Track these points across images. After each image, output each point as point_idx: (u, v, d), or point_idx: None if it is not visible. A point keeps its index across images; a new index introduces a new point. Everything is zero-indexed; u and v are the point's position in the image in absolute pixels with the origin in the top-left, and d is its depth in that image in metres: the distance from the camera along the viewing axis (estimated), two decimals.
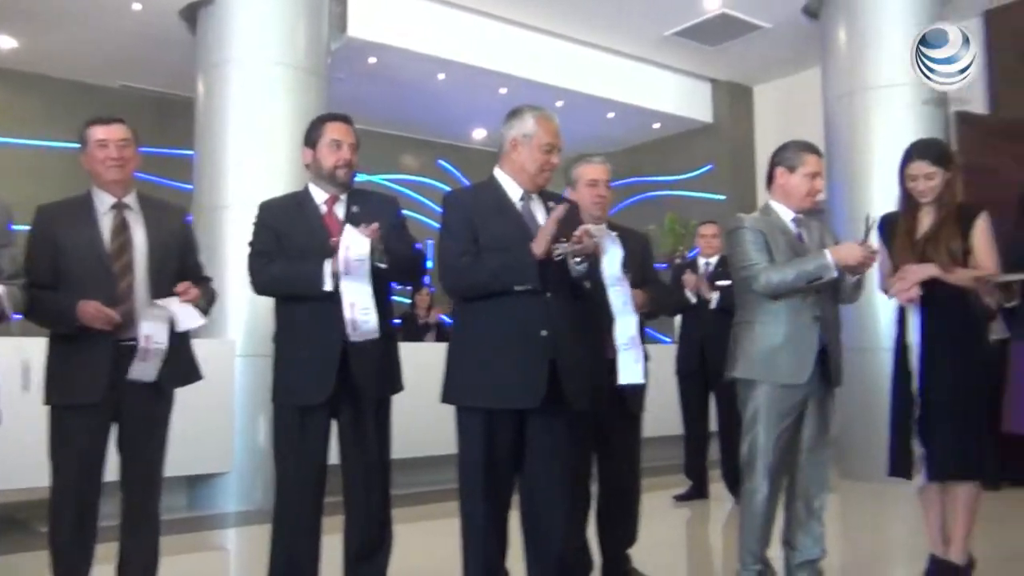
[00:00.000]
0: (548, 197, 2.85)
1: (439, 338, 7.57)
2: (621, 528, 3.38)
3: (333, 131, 2.94)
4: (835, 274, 2.94)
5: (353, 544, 2.90)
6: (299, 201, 2.99)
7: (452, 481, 2.79)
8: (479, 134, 9.42)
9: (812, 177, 3.10)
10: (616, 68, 8.37)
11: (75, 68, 7.62)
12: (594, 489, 3.36)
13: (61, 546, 2.73)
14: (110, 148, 2.78)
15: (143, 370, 2.70)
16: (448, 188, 9.52)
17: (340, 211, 2.95)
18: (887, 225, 3.35)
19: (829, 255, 2.93)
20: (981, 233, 3.16)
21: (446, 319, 8.02)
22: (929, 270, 3.08)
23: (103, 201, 2.82)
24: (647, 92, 8.64)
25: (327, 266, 2.75)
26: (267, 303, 3.04)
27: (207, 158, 5.76)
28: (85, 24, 6.62)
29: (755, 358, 3.04)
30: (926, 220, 3.23)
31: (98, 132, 2.79)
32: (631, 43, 8.13)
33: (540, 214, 2.78)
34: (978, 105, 7.15)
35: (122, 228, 2.79)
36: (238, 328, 5.27)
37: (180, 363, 2.84)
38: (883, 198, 5.75)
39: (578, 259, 2.63)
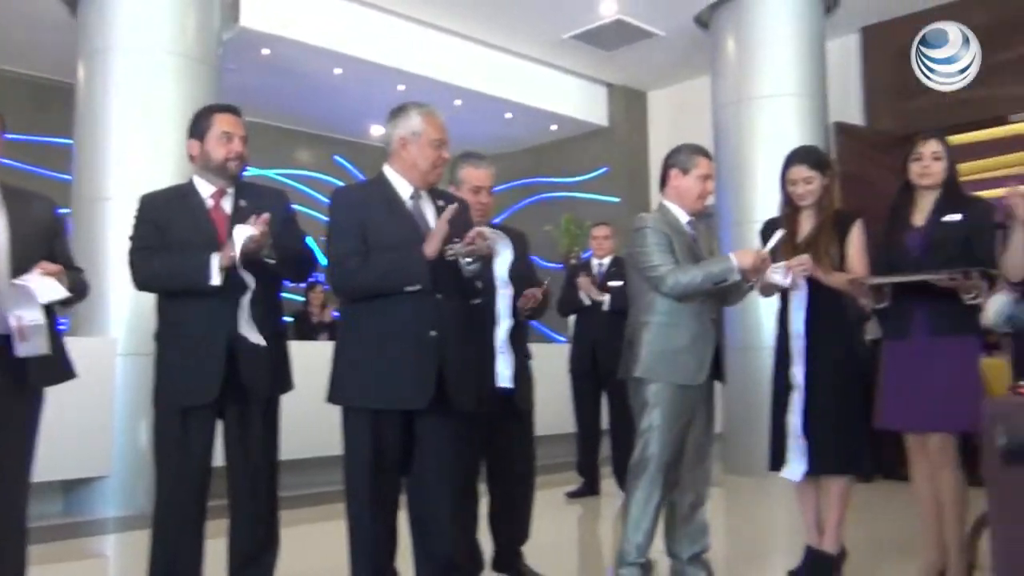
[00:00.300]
0: (438, 195, 2.85)
1: (333, 337, 7.44)
2: (513, 526, 3.40)
3: (223, 123, 2.86)
4: (739, 277, 3.05)
5: (238, 548, 2.82)
6: (183, 194, 2.89)
7: (341, 482, 2.75)
8: (376, 130, 9.31)
9: (704, 179, 3.22)
10: (515, 69, 8.43)
11: None
12: (484, 487, 3.37)
13: None
14: None
15: (30, 347, 2.54)
16: (344, 184, 9.39)
17: (227, 205, 2.87)
18: (769, 229, 3.49)
19: (734, 259, 3.04)
20: (856, 239, 3.32)
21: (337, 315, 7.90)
22: (809, 264, 3.21)
23: None
24: (545, 94, 8.73)
25: (214, 260, 2.67)
26: (150, 300, 2.92)
27: (87, 148, 5.50)
28: None
29: (657, 359, 3.11)
30: (806, 225, 3.39)
31: None
32: (530, 45, 8.20)
33: (430, 213, 2.78)
34: (855, 117, 7.53)
35: None
36: (120, 326, 5.06)
37: (50, 361, 2.69)
38: (766, 203, 5.99)
39: (470, 259, 2.64)
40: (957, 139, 6.84)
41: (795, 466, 3.23)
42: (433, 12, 7.50)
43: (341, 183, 9.33)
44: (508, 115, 8.84)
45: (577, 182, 9.50)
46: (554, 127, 9.28)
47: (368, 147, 9.58)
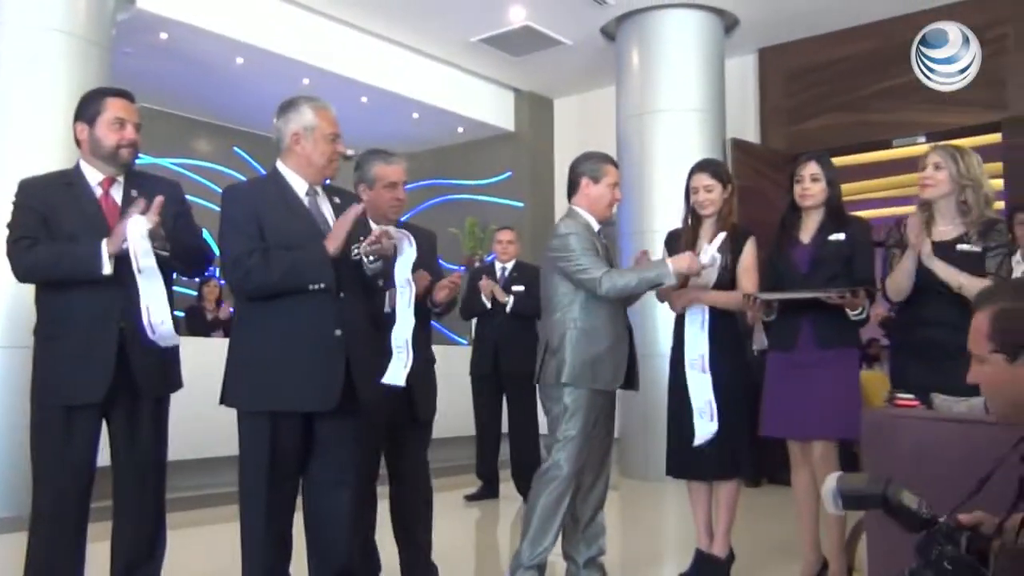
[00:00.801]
0: (334, 192, 2.80)
1: (228, 334, 7.23)
2: (419, 535, 3.31)
3: (116, 108, 2.75)
4: (674, 281, 3.12)
5: (123, 552, 2.73)
6: (69, 181, 2.75)
7: (231, 484, 2.67)
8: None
9: (613, 187, 3.30)
10: (423, 69, 8.38)
11: None
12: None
13: None
14: None
15: None
16: (243, 177, 9.13)
17: (117, 194, 2.76)
18: (671, 240, 3.59)
19: (670, 263, 3.11)
20: (748, 255, 3.46)
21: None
22: (700, 296, 3.36)
23: None
24: (452, 96, 8.71)
25: (104, 247, 2.56)
26: (27, 292, 2.77)
27: None
28: None
29: (578, 364, 3.15)
30: (706, 236, 3.49)
31: None
32: (439, 46, 8.18)
33: (327, 209, 2.73)
34: (751, 135, 7.81)
35: None
36: None
37: None
38: (666, 214, 6.16)
39: (372, 258, 2.60)
40: (845, 160, 7.25)
41: (707, 425, 3.26)
42: (342, 8, 7.39)
43: (240, 175, 9.11)
44: (415, 115, 8.78)
45: (482, 185, 9.52)
46: (461, 129, 9.27)
47: (269, 140, 9.30)
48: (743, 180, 7.09)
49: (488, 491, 5.60)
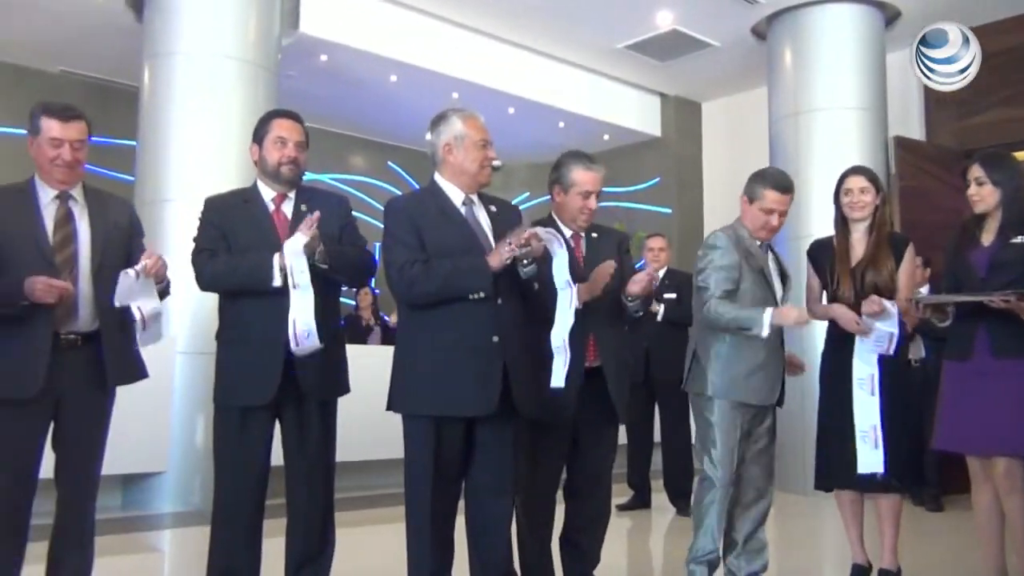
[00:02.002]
0: (489, 201, 2.85)
1: (384, 340, 7.52)
2: (588, 547, 3.18)
3: (279, 128, 2.90)
4: (764, 335, 2.99)
5: (295, 548, 2.86)
6: (246, 198, 2.94)
7: (397, 485, 2.77)
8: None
9: (768, 213, 3.16)
10: (568, 78, 8.43)
11: (13, 51, 7.37)
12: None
13: None
14: (64, 150, 2.68)
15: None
16: (398, 190, 9.46)
17: (288, 209, 2.91)
18: (818, 250, 3.48)
19: (768, 315, 2.97)
20: (907, 262, 3.32)
21: (388, 319, 7.96)
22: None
23: (46, 191, 2.72)
24: (598, 103, 8.71)
25: (276, 260, 2.71)
26: (209, 300, 2.97)
27: (150, 150, 5.62)
28: (23, 6, 6.41)
29: (728, 378, 3.11)
30: (859, 246, 3.36)
31: (54, 129, 2.67)
32: (584, 54, 8.20)
33: (483, 218, 2.79)
34: (915, 132, 7.39)
35: (66, 220, 2.70)
36: (180, 325, 5.15)
37: (125, 361, 2.76)
38: (822, 218, 5.90)
39: (526, 262, 2.63)
40: None
41: (871, 454, 3.14)
42: (489, 21, 7.54)
43: (395, 189, 9.46)
44: (561, 124, 8.83)
45: (629, 192, 9.46)
46: (606, 137, 9.25)
47: (422, 154, 9.56)
48: (906, 180, 6.73)
49: (640, 501, 5.54)
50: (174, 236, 5.03)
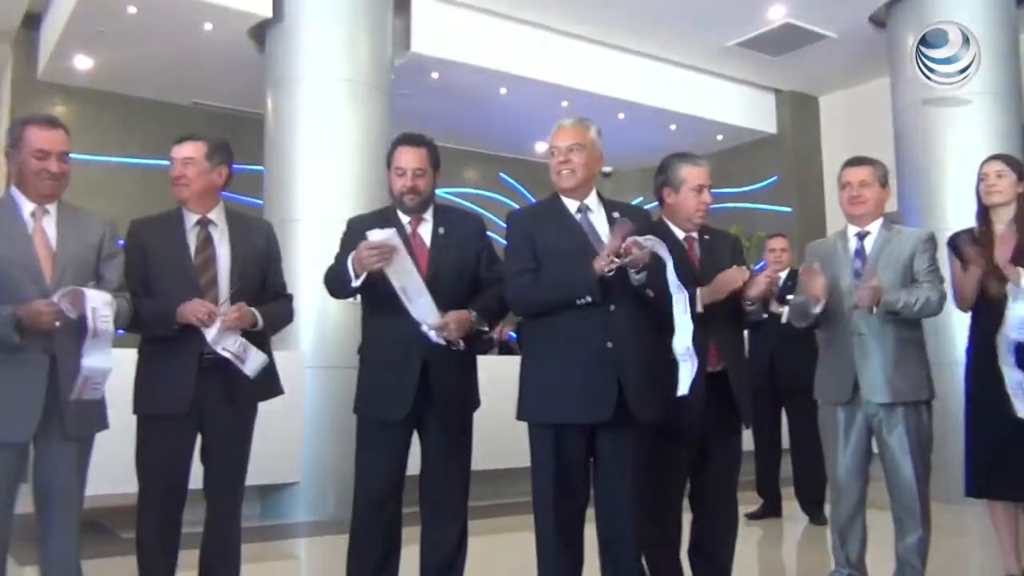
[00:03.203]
0: (612, 206, 2.84)
1: (503, 353, 7.59)
2: (723, 559, 3.05)
3: (398, 157, 2.96)
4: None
5: (430, 555, 2.91)
6: (386, 219, 3.00)
7: (528, 494, 2.79)
8: (541, 147, 9.43)
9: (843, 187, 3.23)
10: (678, 79, 8.32)
11: (148, 86, 7.83)
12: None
13: (146, 552, 2.79)
14: (175, 166, 2.85)
15: (252, 366, 2.75)
16: (510, 202, 9.57)
17: (425, 232, 2.97)
18: (961, 242, 3.35)
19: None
20: None
21: (513, 335, 8.03)
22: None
23: (189, 217, 2.88)
24: (709, 103, 8.56)
25: (350, 266, 2.76)
26: (336, 316, 3.07)
27: (277, 173, 5.88)
28: (158, 43, 6.81)
29: (818, 377, 3.20)
30: (1006, 242, 3.21)
31: (172, 151, 2.87)
32: (693, 54, 8.08)
33: (600, 223, 2.78)
34: None
35: (206, 243, 2.84)
36: (308, 339, 5.34)
37: (261, 379, 2.88)
38: (956, 210, 5.63)
39: (635, 270, 2.61)
40: None
41: None
42: (596, 28, 7.54)
43: (508, 200, 9.56)
44: (672, 127, 8.72)
45: (745, 192, 9.24)
46: (720, 137, 9.08)
47: (533, 164, 9.72)
48: None
49: (770, 509, 5.37)
50: (303, 254, 5.23)
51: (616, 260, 2.55)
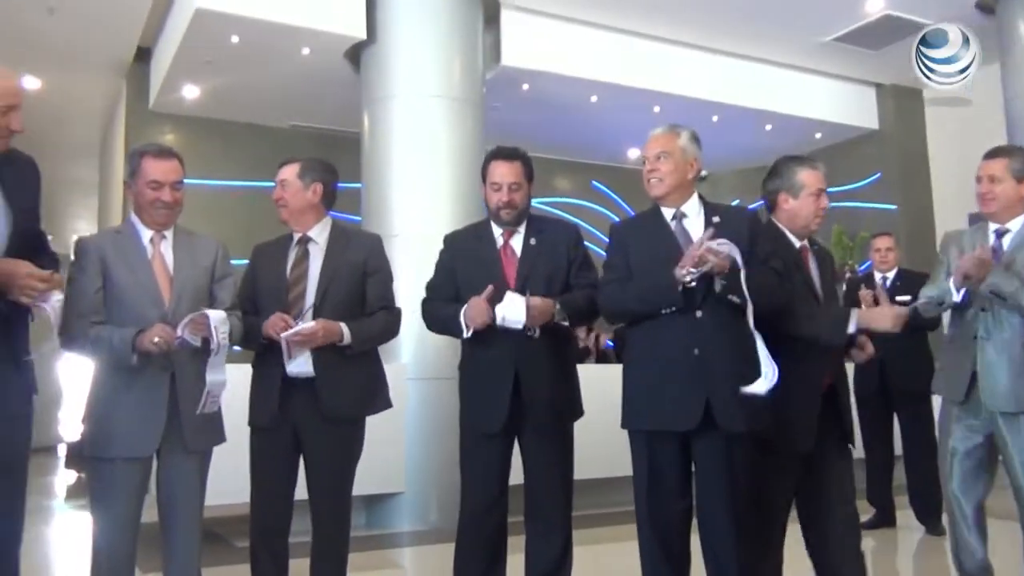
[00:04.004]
0: (714, 211, 2.79)
1: (599, 361, 7.56)
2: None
3: (493, 172, 3.00)
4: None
5: (534, 563, 2.92)
6: (479, 234, 3.06)
7: (630, 503, 2.77)
8: (633, 153, 9.38)
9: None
10: (772, 78, 8.14)
11: (249, 111, 8.14)
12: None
13: (257, 560, 2.89)
14: (275, 189, 2.98)
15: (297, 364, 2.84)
16: (603, 209, 9.54)
17: (517, 244, 3.01)
18: None
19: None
20: None
21: (611, 344, 8.00)
22: None
23: (294, 236, 3.00)
24: (806, 101, 8.34)
25: (462, 319, 2.86)
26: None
27: (373, 189, 6.01)
28: (259, 70, 7.08)
29: (938, 374, 3.05)
30: None
31: (277, 174, 3.00)
32: (788, 52, 7.89)
33: (696, 230, 2.74)
34: None
35: (301, 260, 2.95)
36: (408, 352, 5.44)
37: (365, 393, 2.96)
38: None
39: (719, 276, 2.56)
40: None
41: None
42: (685, 30, 7.45)
43: (601, 208, 9.54)
44: (768, 127, 8.54)
45: (846, 190, 8.95)
46: (818, 135, 8.83)
47: (626, 170, 9.67)
48: None
49: (883, 519, 5.16)
50: (401, 269, 5.25)
51: (693, 270, 2.53)
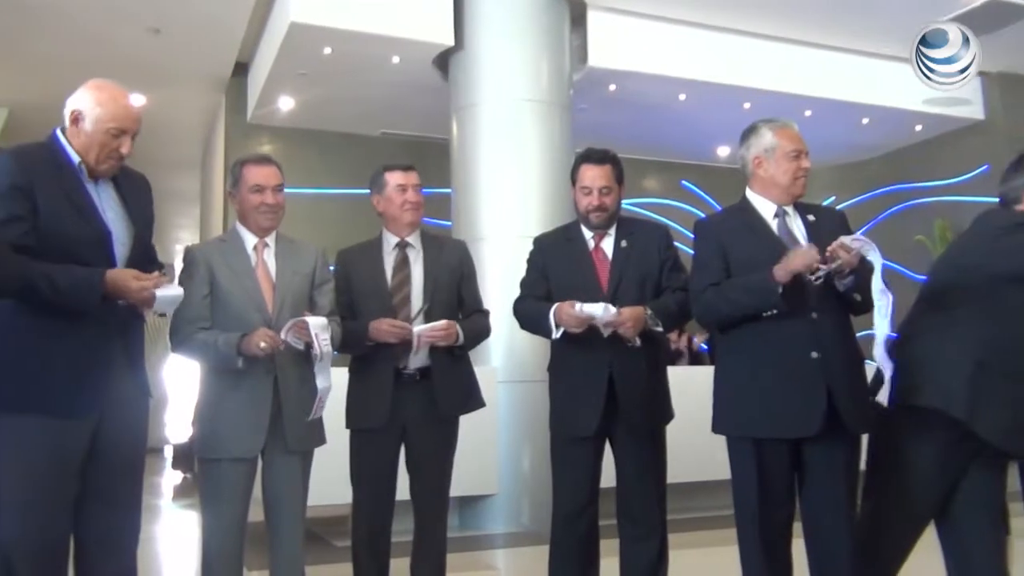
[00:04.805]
0: (807, 210, 2.71)
1: (692, 362, 7.45)
2: None
3: (583, 176, 2.99)
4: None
5: (631, 569, 2.90)
6: (569, 236, 3.06)
7: (725, 507, 2.72)
8: (723, 151, 9.22)
9: None
10: (870, 71, 7.86)
11: (342, 121, 8.33)
12: None
13: (360, 560, 2.96)
14: (409, 192, 3.01)
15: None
16: (693, 209, 9.39)
17: (608, 246, 2.99)
18: None
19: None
20: None
21: (705, 347, 7.88)
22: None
23: (389, 241, 3.05)
24: (905, 92, 7.99)
25: (551, 319, 2.84)
26: (525, 332, 3.16)
27: (463, 194, 6.08)
28: (350, 80, 7.24)
29: None
30: None
31: (398, 177, 3.02)
32: (885, 42, 7.61)
33: (798, 229, 2.66)
34: None
35: (402, 265, 3.01)
36: (499, 355, 5.47)
37: (459, 392, 3.01)
38: None
39: (844, 274, 2.48)
40: None
41: None
42: (774, 24, 7.28)
43: (690, 208, 9.39)
44: (864, 120, 8.26)
45: (950, 184, 8.58)
46: (919, 127, 8.49)
47: (716, 169, 9.51)
48: None
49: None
50: (490, 273, 5.38)
51: (822, 267, 2.45)
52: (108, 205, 2.40)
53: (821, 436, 2.50)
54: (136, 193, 2.51)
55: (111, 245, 2.35)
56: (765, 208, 2.70)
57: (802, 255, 2.48)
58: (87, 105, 2.35)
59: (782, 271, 2.47)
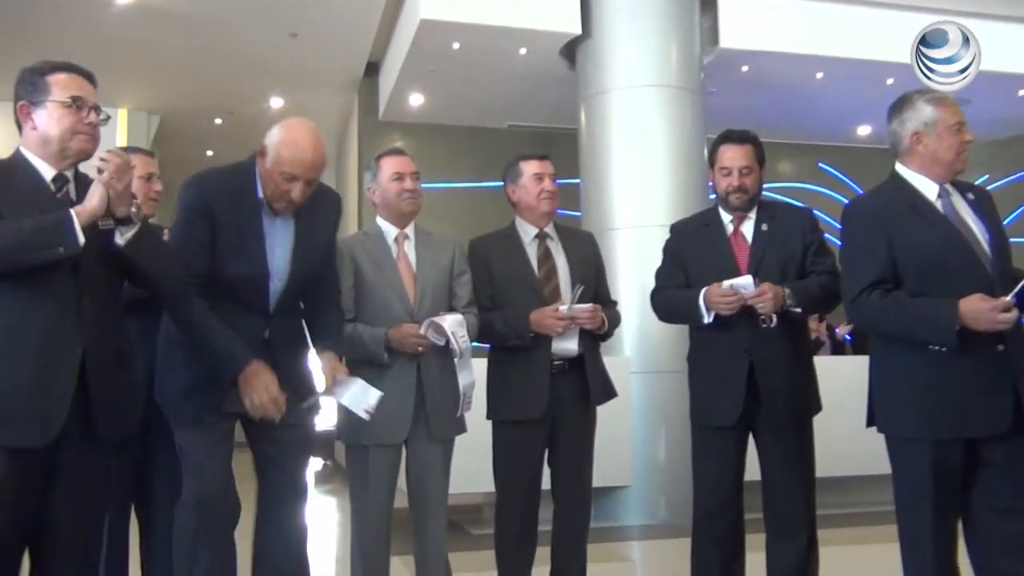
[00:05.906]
0: (964, 188, 2.50)
1: (835, 352, 7.17)
2: None
3: (722, 156, 2.90)
4: None
5: (777, 566, 2.81)
6: (707, 222, 2.98)
7: (878, 503, 2.57)
8: (864, 131, 8.79)
9: None
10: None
11: (470, 115, 8.45)
12: None
13: (507, 548, 2.98)
14: (545, 181, 3.01)
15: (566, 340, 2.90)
16: (832, 193, 9.01)
17: (747, 230, 2.90)
18: None
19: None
20: None
21: (849, 337, 7.56)
22: None
23: (527, 232, 3.05)
24: None
25: (701, 303, 2.77)
26: (657, 322, 3.15)
27: (593, 184, 6.03)
28: (478, 74, 7.32)
29: None
30: None
31: (534, 167, 3.02)
32: None
33: (964, 210, 2.42)
34: None
35: (546, 256, 3.01)
36: (631, 346, 5.41)
37: (604, 381, 3.00)
38: None
39: None
40: None
41: None
42: None
43: (828, 191, 9.02)
44: (1021, 92, 7.68)
45: None
46: None
47: (855, 149, 9.09)
48: None
49: None
50: (622, 262, 5.34)
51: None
52: (279, 242, 2.47)
53: (1008, 433, 2.28)
54: (317, 221, 2.54)
55: (267, 284, 2.43)
56: (926, 187, 2.45)
57: (988, 321, 2.24)
58: (272, 142, 2.39)
59: (970, 319, 2.23)
